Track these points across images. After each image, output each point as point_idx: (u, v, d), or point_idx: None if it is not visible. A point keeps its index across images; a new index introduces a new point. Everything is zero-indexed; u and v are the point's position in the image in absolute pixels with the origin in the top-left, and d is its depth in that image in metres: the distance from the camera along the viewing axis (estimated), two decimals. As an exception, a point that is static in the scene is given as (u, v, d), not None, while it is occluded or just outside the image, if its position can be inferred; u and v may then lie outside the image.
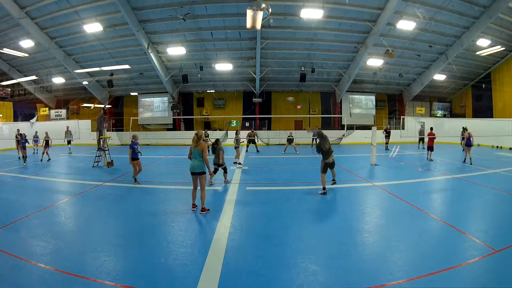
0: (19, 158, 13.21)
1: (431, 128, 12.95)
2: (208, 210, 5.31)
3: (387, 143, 17.00)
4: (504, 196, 6.52)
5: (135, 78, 22.19)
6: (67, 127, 17.35)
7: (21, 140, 12.56)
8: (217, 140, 8.06)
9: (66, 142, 17.02)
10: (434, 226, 4.70)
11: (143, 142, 20.83)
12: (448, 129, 20.22)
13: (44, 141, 13.29)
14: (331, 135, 20.35)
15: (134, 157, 7.75)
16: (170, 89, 22.30)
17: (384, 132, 17.07)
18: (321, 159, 6.70)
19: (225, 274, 3.18)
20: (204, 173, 5.30)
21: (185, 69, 20.32)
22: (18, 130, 14.32)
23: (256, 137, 16.99)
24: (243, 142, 14.27)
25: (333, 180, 7.33)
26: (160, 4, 14.66)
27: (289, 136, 16.29)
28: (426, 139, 13.33)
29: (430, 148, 11.99)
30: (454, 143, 17.49)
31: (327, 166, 6.67)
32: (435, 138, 12.15)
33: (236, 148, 11.59)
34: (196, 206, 5.45)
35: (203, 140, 5.37)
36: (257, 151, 16.52)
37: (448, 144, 18.31)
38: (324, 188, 6.57)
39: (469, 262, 3.41)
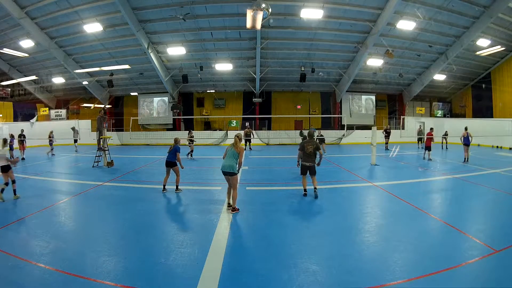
0: (22, 159, 13.29)
1: (431, 129, 12.64)
2: (238, 209, 5.33)
3: (387, 143, 16.99)
4: (504, 196, 6.53)
5: (135, 78, 22.19)
6: (74, 127, 18.06)
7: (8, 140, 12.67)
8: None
9: (73, 141, 17.70)
10: (434, 226, 4.70)
11: (143, 142, 20.86)
12: (448, 129, 20.22)
13: (19, 141, 13.21)
14: (331, 135, 20.53)
15: (174, 161, 6.89)
16: (170, 89, 22.30)
17: (384, 132, 17.07)
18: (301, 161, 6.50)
19: (225, 274, 3.18)
20: (235, 174, 5.31)
21: (185, 69, 20.32)
22: (22, 130, 14.49)
23: (252, 135, 16.69)
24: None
25: (314, 188, 6.35)
26: (160, 4, 14.66)
27: (319, 136, 14.83)
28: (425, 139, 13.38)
29: (428, 148, 12.04)
30: (454, 143, 17.48)
31: (304, 169, 6.42)
32: (432, 138, 12.17)
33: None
34: (230, 204, 5.46)
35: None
36: (250, 149, 16.30)
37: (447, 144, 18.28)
38: (304, 190, 6.43)
39: (469, 262, 3.41)
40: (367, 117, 24.18)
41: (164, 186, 6.92)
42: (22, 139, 13.78)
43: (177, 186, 6.88)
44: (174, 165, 6.84)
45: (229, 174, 5.29)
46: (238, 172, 5.41)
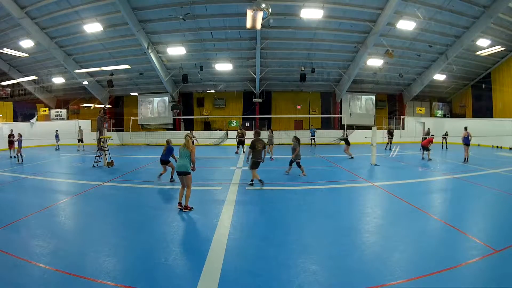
0: (10, 157, 13.38)
1: (432, 135, 13.22)
2: (192, 208, 5.40)
3: (389, 143, 17.06)
4: (504, 196, 6.53)
5: (135, 78, 22.18)
6: (79, 127, 18.76)
7: (18, 140, 12.79)
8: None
9: (77, 141, 18.29)
10: (434, 226, 4.70)
11: (143, 142, 20.85)
12: (448, 129, 20.20)
13: (17, 141, 13.13)
14: (331, 135, 20.53)
15: (167, 160, 8.09)
16: (170, 89, 22.29)
17: (388, 133, 17.13)
18: (251, 157, 7.22)
19: (225, 274, 3.17)
20: (188, 173, 5.43)
21: (185, 69, 20.32)
22: (11, 130, 14.55)
23: (244, 137, 15.21)
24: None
25: (251, 180, 7.41)
26: (160, 4, 14.65)
27: (342, 136, 13.33)
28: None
29: (425, 148, 12.12)
30: (454, 143, 17.50)
31: (257, 164, 7.27)
32: (431, 140, 12.25)
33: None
34: (181, 204, 5.53)
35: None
36: (236, 152, 15.02)
37: (447, 144, 18.29)
38: (252, 181, 7.31)
39: (469, 262, 3.40)
40: (367, 117, 24.17)
41: (171, 176, 8.05)
42: (12, 139, 13.81)
43: (171, 176, 7.94)
44: (167, 162, 8.01)
45: (183, 173, 5.41)
46: (194, 170, 5.56)
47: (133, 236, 4.39)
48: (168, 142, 8.19)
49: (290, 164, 9.06)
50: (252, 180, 7.32)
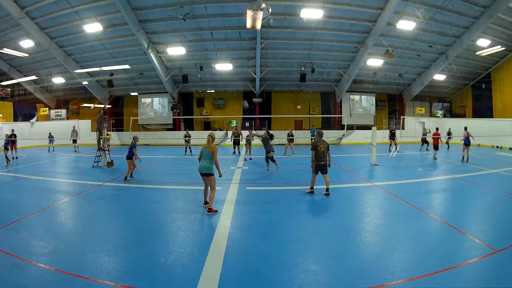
0: (13, 158, 13.32)
1: (437, 128, 13.40)
2: (216, 211, 5.25)
3: (392, 144, 17.06)
4: (504, 196, 6.53)
5: (135, 78, 22.19)
6: (74, 127, 18.41)
7: (5, 141, 12.53)
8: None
9: (71, 142, 18.04)
10: (434, 226, 4.70)
11: (143, 142, 20.83)
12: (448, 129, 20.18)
13: (10, 141, 12.60)
14: (332, 135, 20.53)
15: (130, 157, 8.22)
16: (170, 89, 22.30)
17: (390, 133, 17.14)
18: (313, 160, 6.53)
19: (225, 274, 3.17)
20: (212, 174, 5.30)
21: (185, 69, 20.32)
22: (12, 130, 14.49)
23: (240, 136, 14.91)
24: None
25: (326, 189, 6.55)
26: (160, 4, 14.65)
27: (289, 136, 14.86)
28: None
29: (436, 147, 12.31)
30: (454, 143, 17.50)
31: (318, 167, 6.49)
32: (439, 138, 12.39)
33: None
34: (208, 202, 5.44)
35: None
36: (234, 152, 14.89)
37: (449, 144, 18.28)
38: (311, 188, 6.66)
39: (469, 262, 3.40)
40: (367, 117, 24.17)
41: (127, 176, 8.22)
42: (13, 139, 13.74)
43: (125, 177, 8.11)
44: (129, 158, 8.18)
45: (206, 175, 5.30)
46: (220, 176, 5.41)
47: (133, 236, 4.39)
48: (133, 138, 8.58)
49: (267, 161, 9.52)
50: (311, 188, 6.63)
